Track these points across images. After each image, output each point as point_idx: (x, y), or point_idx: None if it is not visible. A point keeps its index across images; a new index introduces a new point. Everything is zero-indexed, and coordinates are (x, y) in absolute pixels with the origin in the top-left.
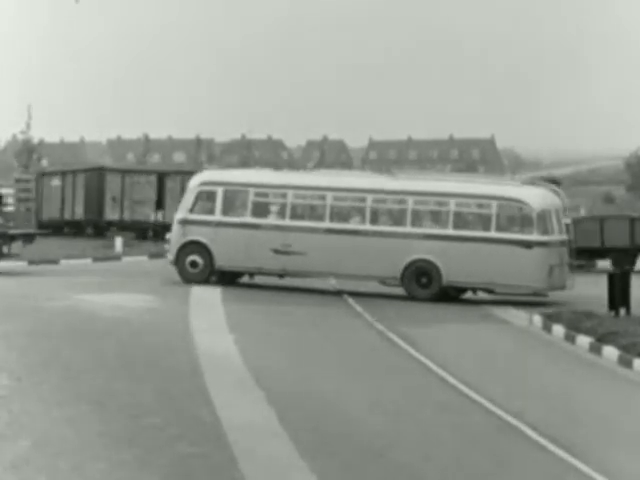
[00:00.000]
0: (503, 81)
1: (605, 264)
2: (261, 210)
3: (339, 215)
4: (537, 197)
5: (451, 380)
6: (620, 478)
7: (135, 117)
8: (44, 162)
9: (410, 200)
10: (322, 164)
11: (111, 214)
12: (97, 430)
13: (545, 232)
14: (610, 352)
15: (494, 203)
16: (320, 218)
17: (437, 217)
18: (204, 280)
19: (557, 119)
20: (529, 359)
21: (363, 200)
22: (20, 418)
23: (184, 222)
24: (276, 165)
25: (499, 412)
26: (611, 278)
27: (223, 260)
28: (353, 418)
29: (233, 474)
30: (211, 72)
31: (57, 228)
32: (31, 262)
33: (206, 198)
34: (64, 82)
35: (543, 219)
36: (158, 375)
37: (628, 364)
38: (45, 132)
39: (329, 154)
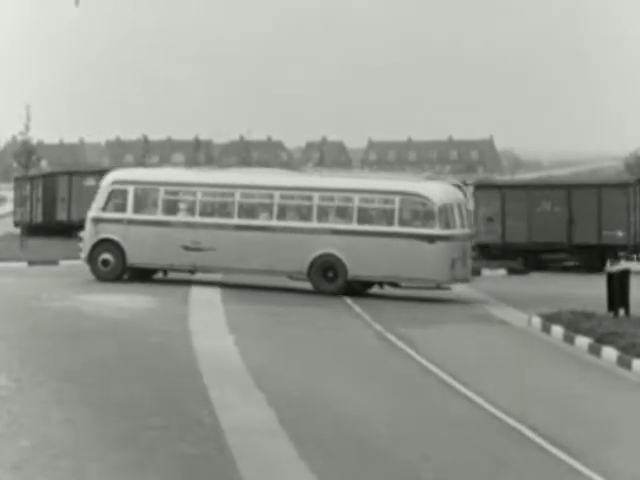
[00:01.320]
0: (503, 82)
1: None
2: (172, 208)
3: (247, 212)
4: (438, 192)
5: (450, 381)
6: (619, 479)
7: (134, 119)
8: (43, 163)
9: (316, 196)
10: (321, 165)
11: (60, 215)
12: (97, 431)
13: (447, 226)
14: (609, 353)
15: (397, 198)
16: (229, 215)
17: (342, 212)
18: (117, 277)
19: (557, 120)
20: (528, 360)
21: (270, 197)
22: (20, 419)
23: (97, 220)
24: (274, 166)
25: (498, 413)
26: (610, 278)
27: (135, 257)
28: (353, 418)
29: (232, 475)
30: (210, 73)
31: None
32: (31, 262)
33: (118, 197)
34: (64, 83)
35: (444, 213)
36: (158, 376)
37: (627, 365)
38: (45, 133)
39: (328, 155)
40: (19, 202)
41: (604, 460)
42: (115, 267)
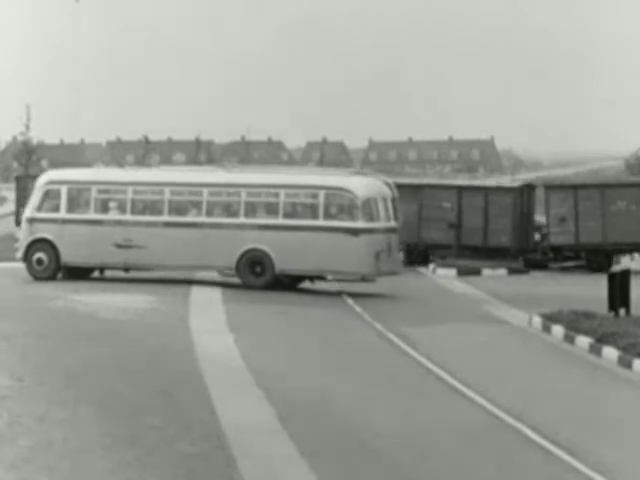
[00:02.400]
0: (503, 82)
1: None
2: (104, 207)
3: (177, 209)
4: (362, 186)
5: (450, 380)
6: (619, 478)
7: (135, 118)
8: (43, 163)
9: (243, 192)
10: (322, 165)
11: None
12: (98, 430)
13: (371, 219)
14: (610, 353)
15: (321, 193)
16: (159, 212)
17: (269, 208)
18: (51, 277)
19: (557, 120)
20: (528, 359)
21: (199, 194)
22: (21, 419)
23: (32, 220)
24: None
25: (498, 412)
26: (611, 278)
27: (68, 256)
28: (353, 418)
29: (232, 474)
30: (211, 73)
31: None
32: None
33: (52, 197)
34: (64, 83)
35: (368, 207)
36: (158, 375)
37: (628, 365)
38: (45, 134)
39: (329, 155)
40: (21, 202)
41: (604, 459)
42: (49, 266)
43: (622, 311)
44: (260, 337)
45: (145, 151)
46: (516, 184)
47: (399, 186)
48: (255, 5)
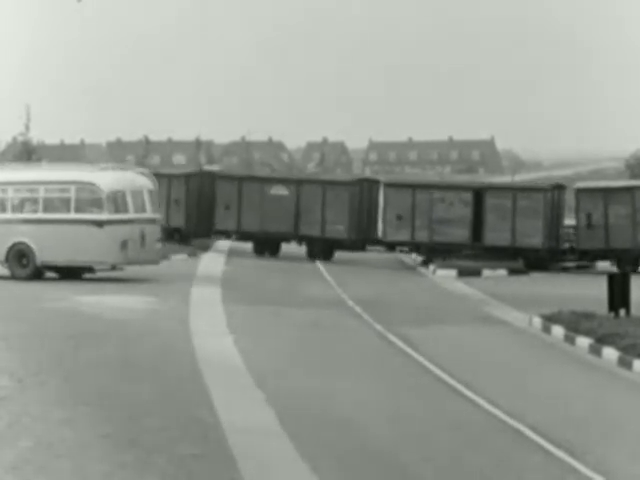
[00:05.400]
0: (503, 82)
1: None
2: None
3: None
4: (108, 180)
5: (450, 381)
6: (619, 479)
7: (135, 119)
8: (43, 164)
9: (10, 189)
10: (322, 166)
11: None
12: (98, 431)
13: (116, 211)
14: (610, 353)
15: (73, 187)
16: None
17: (32, 203)
18: None
19: (558, 120)
20: (528, 360)
21: None
22: (21, 419)
23: None
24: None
25: (498, 413)
26: (611, 279)
27: None
28: (353, 419)
29: (232, 475)
30: (211, 74)
31: None
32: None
33: None
34: (65, 84)
35: (114, 200)
36: (158, 376)
37: (628, 365)
38: (45, 134)
39: (329, 156)
40: None
41: (604, 460)
42: None
43: (622, 312)
44: (260, 338)
45: (145, 151)
46: (546, 184)
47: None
48: (255, 4)
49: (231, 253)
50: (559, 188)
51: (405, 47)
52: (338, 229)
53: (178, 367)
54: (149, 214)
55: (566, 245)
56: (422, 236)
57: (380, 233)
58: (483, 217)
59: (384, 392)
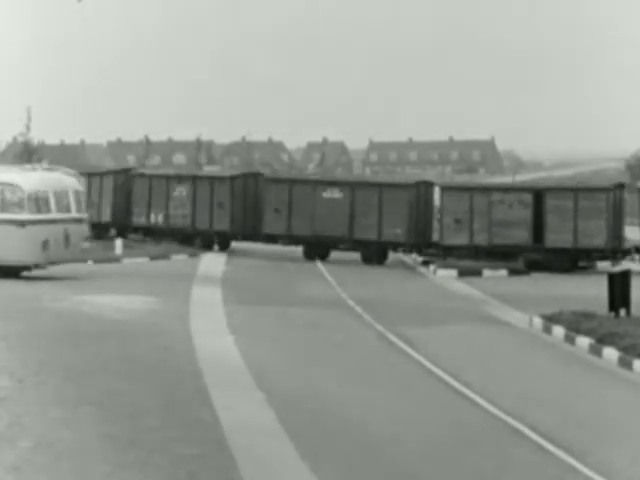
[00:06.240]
0: (503, 82)
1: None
2: None
3: None
4: (30, 181)
5: (451, 381)
6: (619, 479)
7: (135, 119)
8: (44, 164)
9: None
10: (323, 166)
11: None
12: (98, 432)
13: (38, 211)
14: (610, 353)
15: None
16: None
17: None
18: None
19: (558, 120)
20: (529, 360)
21: None
22: (21, 419)
23: None
24: (276, 167)
25: (499, 413)
26: (611, 279)
27: None
28: (353, 419)
29: (232, 475)
30: (212, 74)
31: None
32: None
33: None
34: (65, 84)
35: (35, 200)
36: (158, 376)
37: (628, 365)
38: (46, 134)
39: (330, 156)
40: None
41: (604, 460)
42: None
43: (622, 312)
44: (260, 338)
45: (146, 152)
46: (608, 184)
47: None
48: (255, 4)
49: (231, 253)
50: (620, 187)
51: (405, 47)
52: (396, 233)
53: (178, 367)
54: (74, 214)
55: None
56: (481, 239)
57: (437, 237)
58: (544, 218)
59: (384, 392)
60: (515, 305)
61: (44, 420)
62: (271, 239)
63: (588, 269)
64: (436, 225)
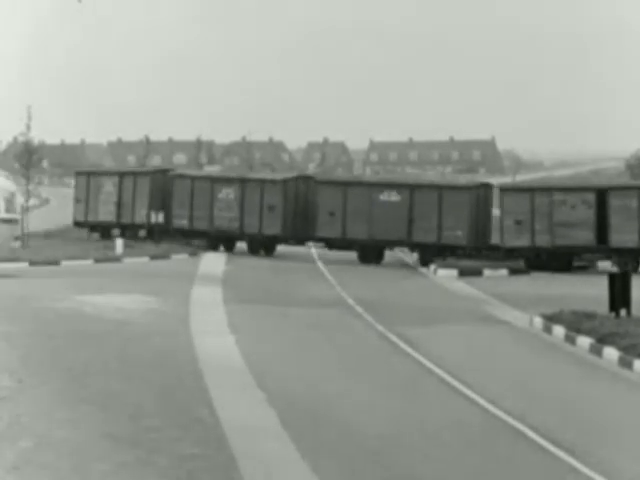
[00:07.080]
0: (504, 82)
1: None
2: None
3: None
4: None
5: (451, 381)
6: (620, 479)
7: (136, 119)
8: (44, 164)
9: None
10: (323, 166)
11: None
12: (98, 431)
13: None
14: (610, 353)
15: None
16: None
17: None
18: None
19: (558, 120)
20: (529, 360)
21: None
22: (22, 419)
23: None
24: (276, 167)
25: (499, 413)
26: (612, 279)
27: None
28: (354, 419)
29: (232, 475)
30: (212, 74)
31: None
32: (32, 263)
33: None
34: (65, 83)
35: None
36: (159, 376)
37: (629, 365)
38: (46, 134)
39: (330, 156)
40: (79, 197)
41: (605, 460)
42: None
43: (623, 311)
44: (261, 338)
45: (146, 151)
46: None
47: None
48: (256, 7)
49: (232, 253)
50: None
51: (406, 47)
52: (457, 235)
53: (179, 367)
54: (3, 214)
55: None
56: (543, 240)
57: (498, 239)
58: (608, 218)
59: (385, 392)
60: (515, 305)
61: (44, 420)
62: (324, 242)
63: (588, 269)
64: (495, 227)
